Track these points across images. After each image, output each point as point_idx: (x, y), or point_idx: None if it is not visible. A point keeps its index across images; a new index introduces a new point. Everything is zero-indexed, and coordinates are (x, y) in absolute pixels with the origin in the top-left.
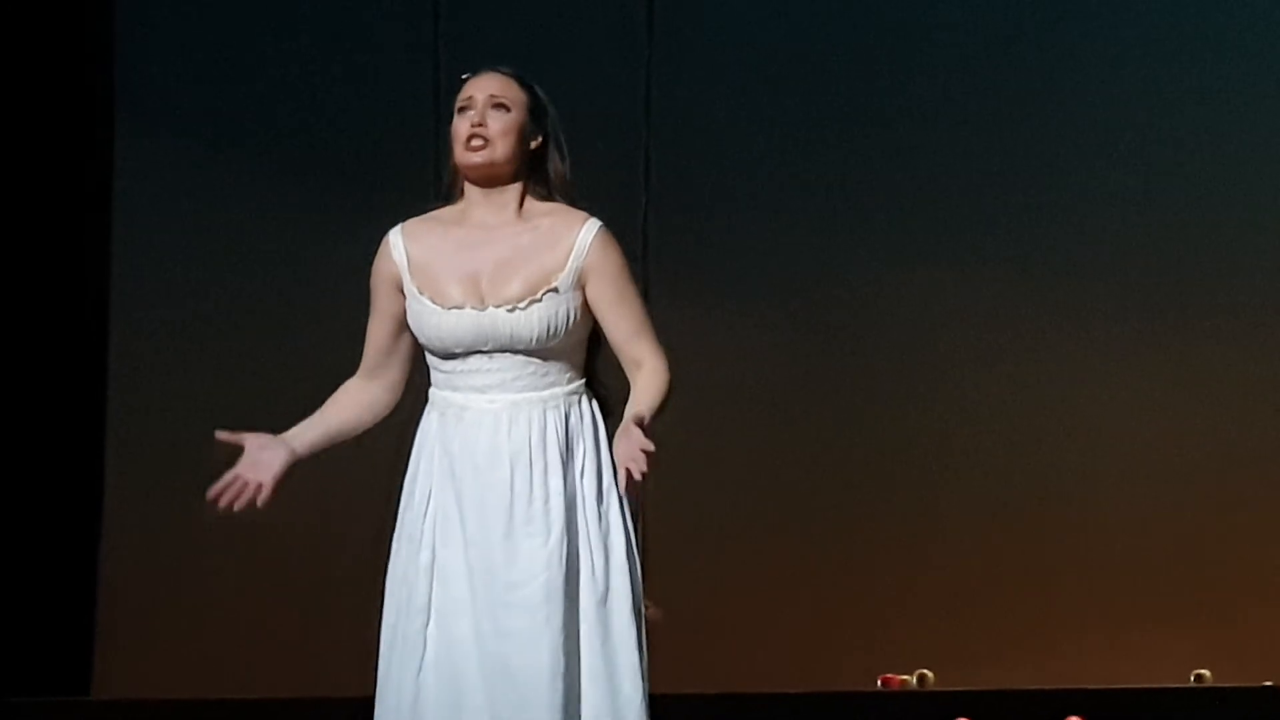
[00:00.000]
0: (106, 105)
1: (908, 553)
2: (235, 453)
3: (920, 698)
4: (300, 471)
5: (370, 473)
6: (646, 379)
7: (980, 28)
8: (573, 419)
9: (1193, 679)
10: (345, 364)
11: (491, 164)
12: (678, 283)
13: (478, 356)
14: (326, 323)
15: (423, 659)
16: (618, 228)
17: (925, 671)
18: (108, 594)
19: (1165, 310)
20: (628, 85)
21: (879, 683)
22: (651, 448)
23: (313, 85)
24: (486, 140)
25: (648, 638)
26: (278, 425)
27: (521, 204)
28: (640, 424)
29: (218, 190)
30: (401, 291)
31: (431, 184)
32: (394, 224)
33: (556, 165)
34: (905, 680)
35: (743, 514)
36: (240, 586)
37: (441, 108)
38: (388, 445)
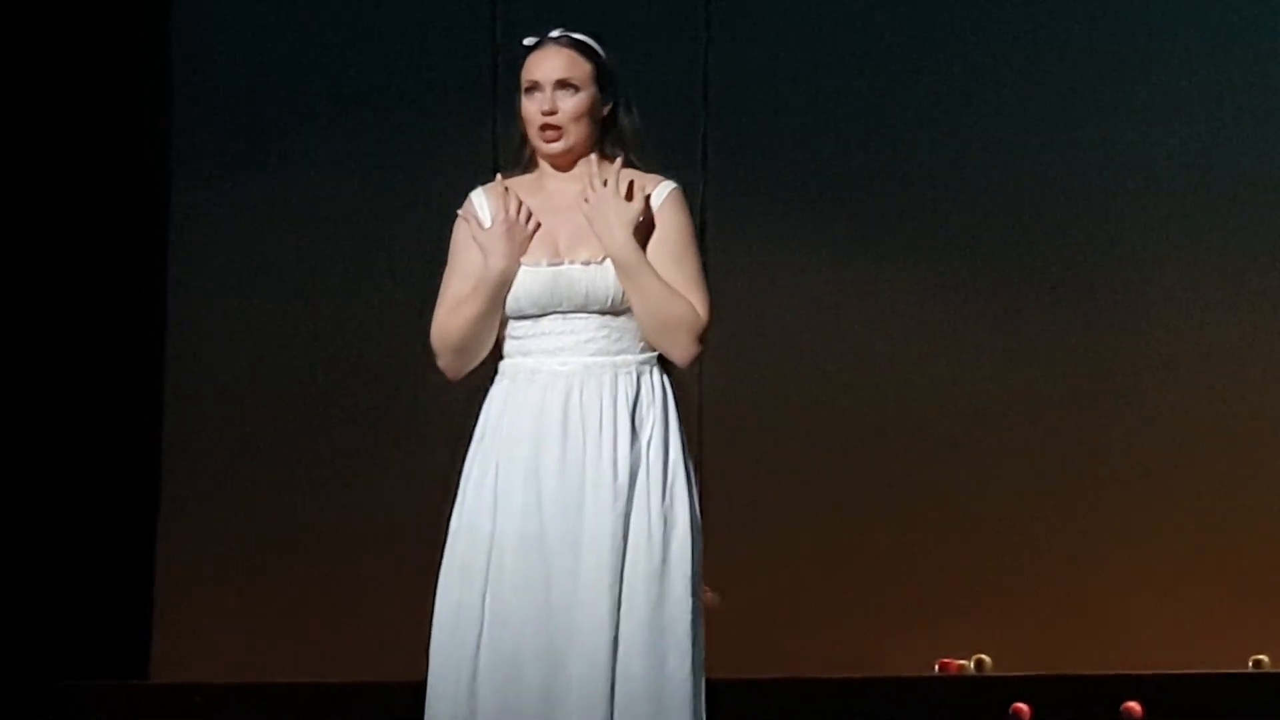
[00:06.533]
0: (163, 97)
1: (966, 537)
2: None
3: (978, 682)
4: (358, 456)
5: (426, 457)
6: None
7: None
8: (644, 387)
9: (1251, 665)
10: (401, 357)
11: (567, 151)
12: (735, 254)
13: (552, 318)
14: (380, 316)
15: (481, 632)
16: None
17: (983, 656)
18: (165, 577)
19: (1239, 283)
20: (685, 60)
21: (936, 667)
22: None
23: (369, 66)
24: (559, 128)
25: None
26: (333, 413)
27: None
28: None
29: (272, 184)
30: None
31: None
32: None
33: (629, 125)
34: (963, 665)
35: (797, 497)
36: (298, 570)
37: (500, 98)
38: (443, 431)
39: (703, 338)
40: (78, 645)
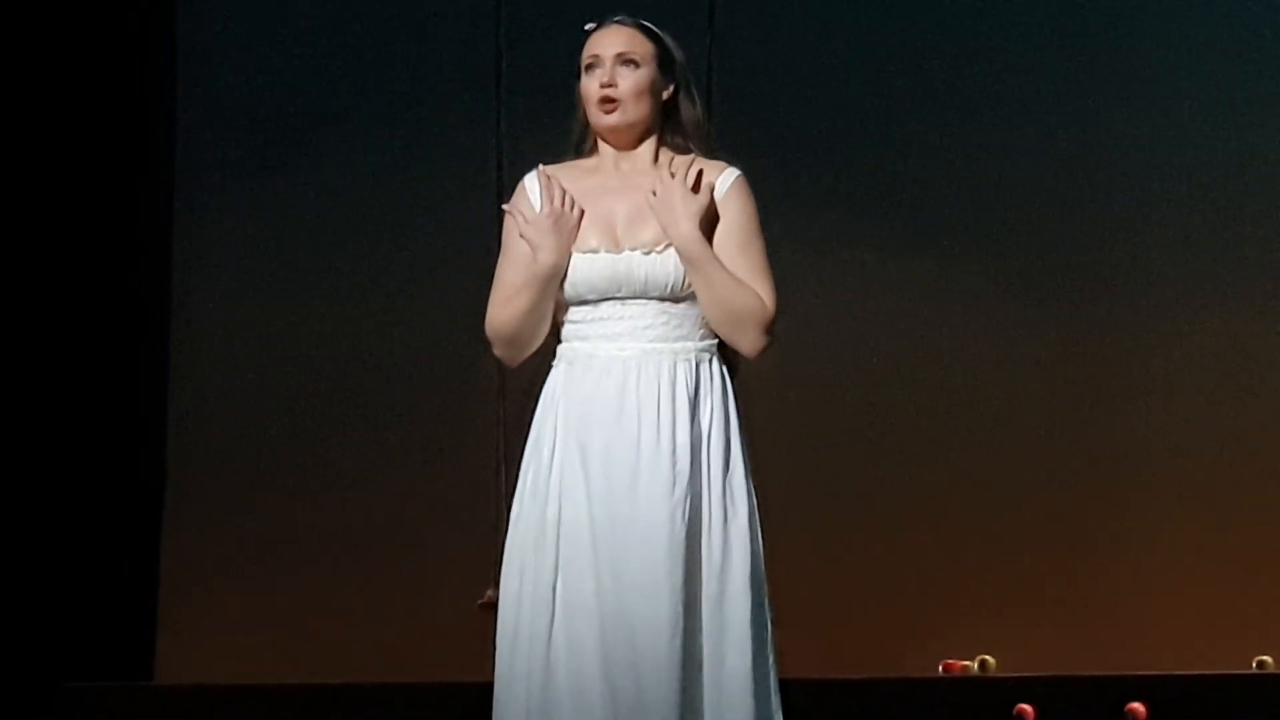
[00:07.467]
0: (168, 95)
1: (970, 537)
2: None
3: (982, 683)
4: (362, 458)
5: (431, 460)
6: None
7: None
8: (703, 375)
9: (1255, 666)
10: (404, 358)
11: (627, 126)
12: None
13: (611, 303)
14: (384, 319)
15: (553, 619)
16: None
17: (987, 657)
18: (170, 579)
19: (1248, 286)
20: (688, 59)
21: (940, 668)
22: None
23: (373, 70)
24: (618, 101)
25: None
26: (336, 415)
27: (656, 156)
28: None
29: (276, 185)
30: None
31: (494, 182)
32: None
33: (690, 112)
34: (967, 666)
35: (800, 496)
36: (303, 571)
37: (504, 101)
38: (445, 434)
39: (770, 328)
40: (83, 647)
